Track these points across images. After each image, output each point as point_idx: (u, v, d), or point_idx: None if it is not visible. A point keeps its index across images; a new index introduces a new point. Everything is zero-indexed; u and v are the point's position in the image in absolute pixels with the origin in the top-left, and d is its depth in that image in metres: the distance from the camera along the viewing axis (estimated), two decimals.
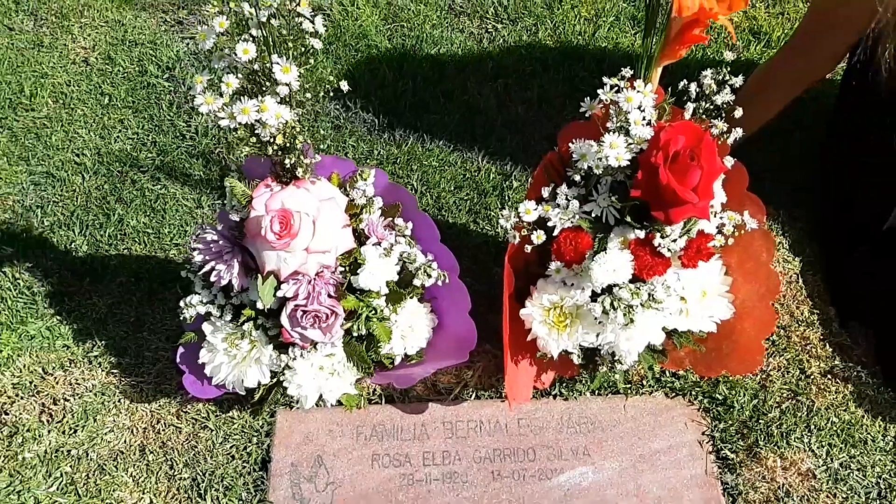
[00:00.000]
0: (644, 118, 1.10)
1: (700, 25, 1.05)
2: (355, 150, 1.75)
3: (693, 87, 1.13)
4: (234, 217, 1.18)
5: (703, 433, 1.37)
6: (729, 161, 1.18)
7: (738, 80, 1.12)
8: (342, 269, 1.19)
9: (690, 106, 1.14)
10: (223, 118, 1.02)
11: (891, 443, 1.37)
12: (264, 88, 1.03)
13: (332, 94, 1.08)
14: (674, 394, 1.41)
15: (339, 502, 1.29)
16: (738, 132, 1.14)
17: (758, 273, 1.29)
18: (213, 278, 1.18)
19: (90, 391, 1.40)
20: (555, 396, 1.41)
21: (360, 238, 1.22)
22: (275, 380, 1.26)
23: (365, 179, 1.22)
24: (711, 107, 1.13)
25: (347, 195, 1.21)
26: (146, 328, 1.47)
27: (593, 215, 1.16)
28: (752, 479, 1.33)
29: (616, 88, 1.11)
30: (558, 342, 1.23)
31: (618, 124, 1.11)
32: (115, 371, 1.42)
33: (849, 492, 1.32)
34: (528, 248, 1.18)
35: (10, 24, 2.00)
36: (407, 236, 1.27)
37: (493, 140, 1.76)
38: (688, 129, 1.07)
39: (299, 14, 1.00)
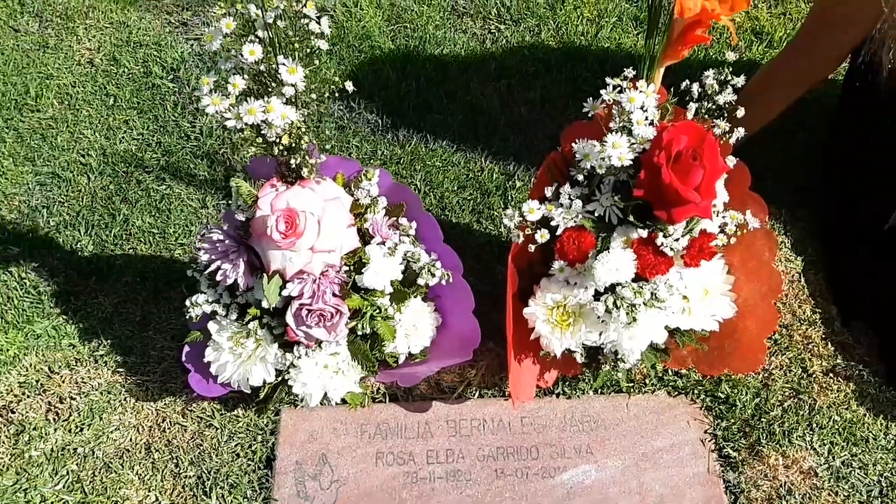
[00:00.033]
0: (647, 118, 1.11)
1: (702, 26, 1.05)
2: (359, 151, 1.76)
3: (695, 87, 1.13)
4: (240, 217, 1.18)
5: (705, 431, 1.38)
6: (731, 161, 1.19)
7: (740, 80, 1.12)
8: (347, 268, 1.19)
9: (693, 106, 1.15)
10: (230, 119, 1.02)
11: (892, 441, 1.38)
12: (270, 89, 1.04)
13: (337, 94, 1.09)
14: (676, 392, 1.42)
15: (343, 500, 1.29)
16: (740, 132, 1.15)
17: (760, 272, 1.30)
18: (218, 277, 1.19)
19: (96, 390, 1.41)
20: (558, 395, 1.41)
21: (365, 237, 1.23)
22: (280, 378, 1.27)
23: (369, 179, 1.23)
24: (714, 107, 1.14)
25: (352, 195, 1.22)
26: (152, 327, 1.48)
27: (596, 215, 1.17)
28: (754, 477, 1.33)
29: (619, 89, 1.11)
30: (561, 341, 1.23)
31: (620, 124, 1.11)
32: (120, 370, 1.43)
33: (850, 490, 1.32)
34: (532, 248, 1.19)
35: (15, 25, 2.01)
36: (411, 236, 1.27)
37: (497, 140, 1.77)
38: (690, 129, 1.07)
39: (305, 15, 1.01)
